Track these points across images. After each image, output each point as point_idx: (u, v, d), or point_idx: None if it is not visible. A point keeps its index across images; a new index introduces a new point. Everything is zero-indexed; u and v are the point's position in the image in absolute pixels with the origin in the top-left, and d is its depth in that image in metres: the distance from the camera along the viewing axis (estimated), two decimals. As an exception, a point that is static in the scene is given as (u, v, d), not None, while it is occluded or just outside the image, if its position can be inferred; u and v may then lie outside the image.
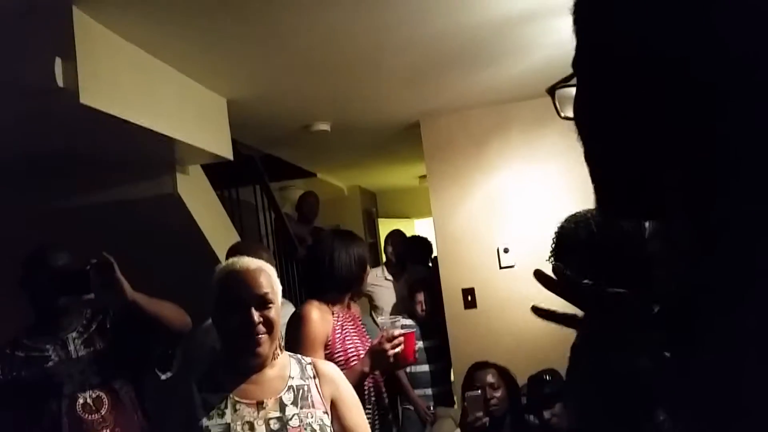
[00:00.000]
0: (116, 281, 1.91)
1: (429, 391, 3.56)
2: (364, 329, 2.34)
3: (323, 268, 2.19)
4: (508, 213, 3.67)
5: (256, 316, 1.45)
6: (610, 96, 0.53)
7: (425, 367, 3.60)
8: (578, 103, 0.58)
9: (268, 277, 1.52)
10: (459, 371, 3.48)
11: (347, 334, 2.18)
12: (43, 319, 2.08)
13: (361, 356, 2.09)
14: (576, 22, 0.56)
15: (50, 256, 2.05)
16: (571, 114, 0.59)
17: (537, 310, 0.68)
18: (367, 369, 2.02)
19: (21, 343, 2.03)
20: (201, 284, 2.26)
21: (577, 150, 0.59)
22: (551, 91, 0.60)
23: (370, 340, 2.22)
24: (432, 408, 3.38)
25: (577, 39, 0.56)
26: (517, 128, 3.72)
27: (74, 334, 2.08)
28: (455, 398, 3.63)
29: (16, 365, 1.98)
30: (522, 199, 3.66)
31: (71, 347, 2.06)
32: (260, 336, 1.47)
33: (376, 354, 2.02)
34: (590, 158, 0.58)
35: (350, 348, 2.15)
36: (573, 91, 0.57)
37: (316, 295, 2.20)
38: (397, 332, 2.06)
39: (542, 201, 3.56)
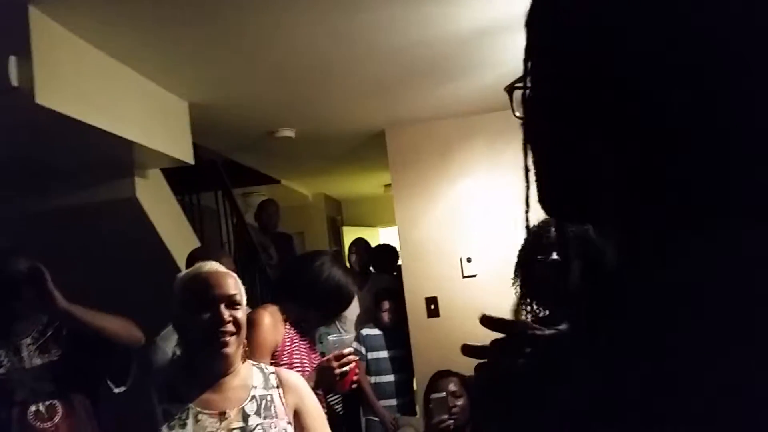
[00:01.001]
0: (47, 292, 1.85)
1: (393, 402, 3.55)
2: (314, 347, 2.29)
3: (314, 287, 2.10)
4: (472, 223, 3.71)
5: (225, 314, 1.45)
6: (552, 96, 0.55)
7: (390, 377, 3.59)
8: (525, 102, 0.59)
9: (236, 281, 1.54)
10: (422, 380, 3.48)
11: (297, 347, 2.13)
12: None
13: (306, 372, 2.05)
14: (527, 24, 0.58)
15: (7, 259, 1.98)
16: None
17: (486, 320, 0.68)
18: (311, 384, 1.97)
19: None
20: (159, 290, 2.21)
21: None
22: (509, 90, 0.61)
23: (318, 358, 2.18)
24: (396, 419, 3.37)
25: (527, 38, 0.58)
26: (482, 139, 3.76)
27: (28, 340, 2.00)
28: (417, 408, 3.63)
29: None
30: (485, 209, 3.70)
31: (24, 353, 1.98)
32: (228, 337, 1.45)
33: (323, 371, 1.96)
34: (534, 158, 0.60)
35: (296, 362, 2.08)
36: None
37: (278, 303, 2.14)
38: (346, 351, 2.00)
39: (505, 211, 3.61)
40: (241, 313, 1.50)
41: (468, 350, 0.68)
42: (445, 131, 3.80)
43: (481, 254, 3.63)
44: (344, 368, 1.96)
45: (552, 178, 0.60)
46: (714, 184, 0.46)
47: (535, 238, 2.07)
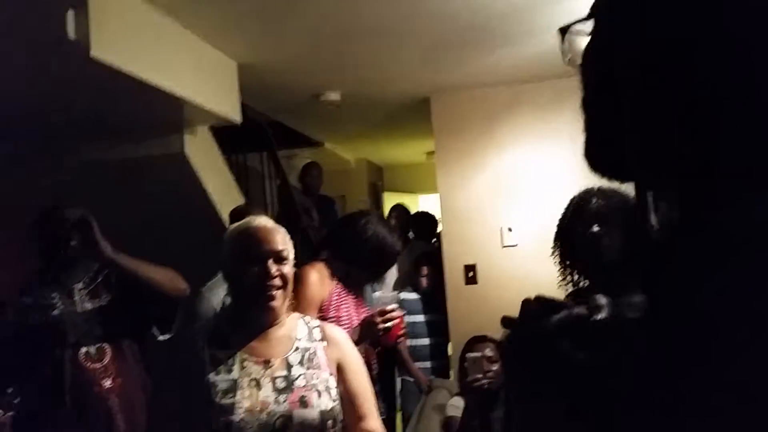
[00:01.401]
0: (93, 241, 1.94)
1: (428, 364, 3.60)
2: (363, 303, 2.34)
3: (359, 245, 2.15)
4: (515, 193, 3.67)
5: (273, 269, 1.47)
6: (615, 53, 0.55)
7: (425, 341, 3.64)
8: (587, 51, 0.59)
9: (284, 237, 1.55)
10: (456, 345, 3.51)
11: (345, 302, 2.19)
12: (50, 269, 2.10)
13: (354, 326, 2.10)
14: None
15: (58, 209, 2.08)
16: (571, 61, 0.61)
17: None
18: (355, 338, 2.02)
19: (29, 291, 2.06)
20: (205, 245, 2.28)
21: None
22: (563, 31, 0.62)
23: (366, 314, 2.22)
24: (430, 381, 3.42)
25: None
26: (529, 108, 3.69)
27: (80, 285, 2.11)
28: (451, 372, 3.67)
29: (23, 311, 2.01)
30: (529, 179, 3.65)
31: (77, 297, 2.08)
32: (275, 290, 1.48)
33: (367, 326, 2.02)
34: (583, 107, 0.60)
35: (344, 317, 2.15)
36: (583, 41, 0.59)
37: (326, 260, 2.18)
38: (389, 308, 2.04)
39: (549, 183, 3.55)
40: (288, 268, 1.52)
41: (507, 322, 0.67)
42: (492, 99, 3.74)
43: (522, 224, 3.59)
44: (387, 324, 2.00)
45: (603, 132, 0.59)
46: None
47: (576, 209, 2.05)
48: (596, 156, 0.60)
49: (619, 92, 0.54)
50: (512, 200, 3.67)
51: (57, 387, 1.96)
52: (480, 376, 2.34)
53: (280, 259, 1.50)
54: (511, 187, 3.68)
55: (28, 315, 2.00)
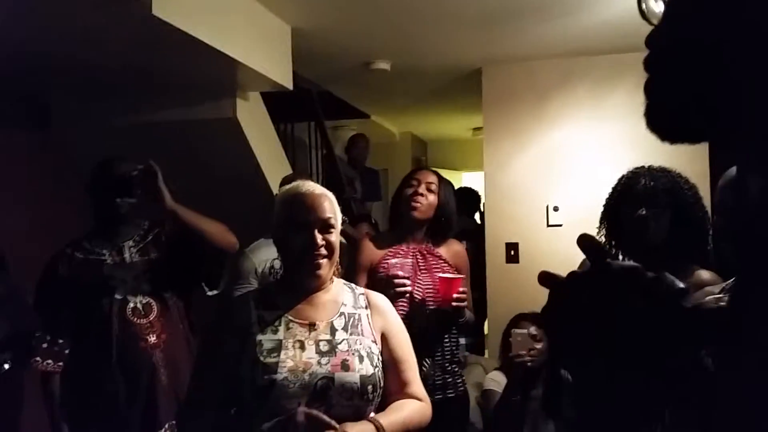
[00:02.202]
0: (158, 190, 1.98)
1: (463, 341, 3.59)
2: (435, 267, 2.37)
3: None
4: (563, 171, 3.59)
5: (318, 238, 1.47)
6: (689, 29, 0.55)
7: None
8: (660, 26, 0.57)
9: (332, 204, 1.54)
10: (494, 323, 3.50)
11: (399, 262, 2.27)
12: (102, 225, 2.17)
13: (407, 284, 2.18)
14: None
15: (113, 166, 2.13)
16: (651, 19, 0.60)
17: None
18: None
19: (81, 246, 2.14)
20: (250, 209, 2.32)
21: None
22: None
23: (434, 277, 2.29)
24: (466, 357, 3.42)
25: None
26: (582, 84, 3.58)
27: (130, 243, 2.17)
28: (486, 350, 3.67)
29: (74, 265, 2.09)
30: (579, 158, 3.56)
31: (126, 254, 2.14)
32: (321, 259, 1.49)
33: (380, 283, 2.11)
34: (650, 72, 0.59)
35: (396, 272, 2.22)
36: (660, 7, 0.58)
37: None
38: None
39: (599, 162, 3.46)
40: (335, 236, 1.51)
41: (545, 277, 0.63)
42: (544, 73, 3.65)
43: (568, 204, 3.52)
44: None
45: (664, 104, 0.58)
46: None
47: (623, 189, 1.99)
48: (663, 115, 0.58)
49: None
50: (560, 179, 3.59)
51: (104, 341, 2.04)
52: (524, 352, 2.33)
53: (326, 226, 1.49)
54: (559, 165, 3.60)
55: (79, 269, 2.08)
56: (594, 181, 3.29)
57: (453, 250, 2.44)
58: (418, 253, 2.37)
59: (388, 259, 2.32)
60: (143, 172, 1.99)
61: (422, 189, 2.36)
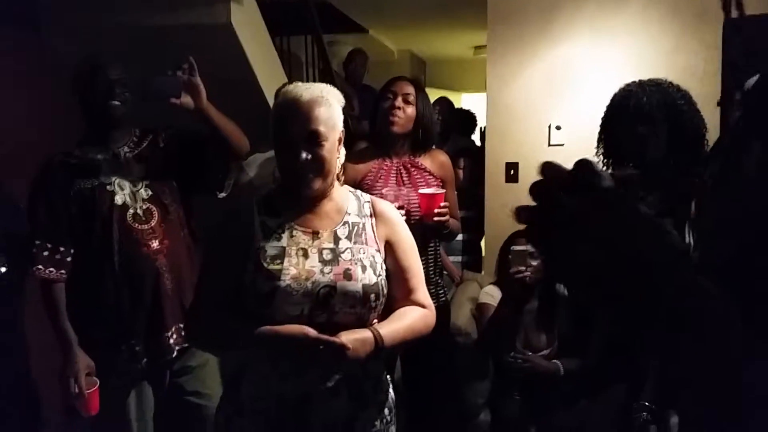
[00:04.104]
0: (195, 84, 1.98)
1: (459, 258, 3.62)
2: (419, 181, 2.34)
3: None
4: (568, 89, 3.50)
5: (303, 155, 1.40)
6: None
7: (459, 236, 3.64)
8: None
9: (323, 110, 1.42)
10: (491, 242, 3.52)
11: (383, 177, 2.26)
12: (95, 131, 2.11)
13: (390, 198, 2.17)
14: None
15: (105, 66, 2.04)
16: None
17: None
18: None
19: (74, 153, 2.08)
20: (245, 121, 2.25)
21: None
22: None
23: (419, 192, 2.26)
24: (462, 274, 3.46)
25: None
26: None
27: (125, 149, 2.11)
28: (483, 267, 3.71)
29: (69, 172, 2.03)
30: (584, 76, 3.46)
31: (122, 160, 2.10)
32: (309, 176, 1.43)
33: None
34: None
35: (381, 191, 2.21)
36: None
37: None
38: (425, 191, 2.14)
39: (606, 81, 3.36)
40: (327, 150, 1.43)
41: (522, 213, 0.59)
42: (554, -14, 3.48)
43: (571, 123, 3.45)
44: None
45: None
46: None
47: (617, 107, 1.93)
48: None
49: None
50: (563, 97, 3.51)
51: (106, 247, 2.02)
52: (522, 268, 2.35)
53: (313, 140, 1.41)
54: (563, 83, 3.50)
55: (74, 176, 2.02)
56: (598, 100, 3.17)
57: (438, 160, 2.41)
58: (401, 168, 2.34)
59: (371, 176, 2.29)
60: (187, 68, 1.97)
61: (399, 102, 2.30)
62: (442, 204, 2.19)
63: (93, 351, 2.04)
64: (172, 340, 2.10)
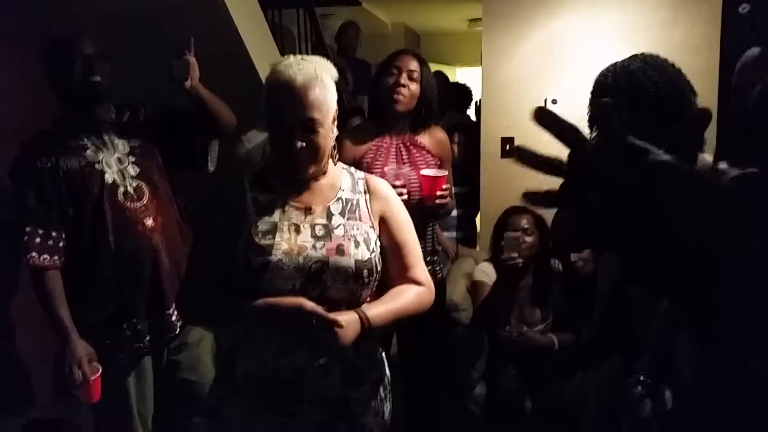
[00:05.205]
0: (190, 63, 2.00)
1: (454, 234, 3.62)
2: (419, 160, 2.31)
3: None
4: (564, 62, 3.46)
5: (298, 143, 1.38)
6: None
7: (453, 212, 3.62)
8: None
9: (319, 91, 1.37)
10: (487, 218, 3.51)
11: (382, 156, 2.20)
12: (74, 109, 2.04)
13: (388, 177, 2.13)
14: None
15: (81, 42, 1.99)
16: None
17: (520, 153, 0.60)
18: None
19: (54, 134, 2.01)
20: (238, 98, 2.22)
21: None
22: None
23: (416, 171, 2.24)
24: (457, 250, 3.46)
25: None
26: (590, -31, 3.37)
27: (107, 126, 2.07)
28: (478, 243, 3.71)
29: (54, 154, 1.96)
30: (581, 49, 3.42)
31: (106, 137, 2.05)
32: (302, 162, 1.41)
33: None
34: None
35: (382, 169, 2.18)
36: None
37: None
38: (398, 183, 2.10)
39: (603, 54, 3.32)
40: (322, 136, 1.40)
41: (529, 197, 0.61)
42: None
43: (568, 97, 3.42)
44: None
45: None
46: None
47: (595, 80, 1.91)
48: None
49: None
50: (561, 70, 3.47)
51: (100, 228, 1.98)
52: (515, 254, 2.35)
53: (308, 127, 1.38)
54: (561, 55, 3.46)
55: (60, 158, 1.96)
56: (595, 73, 3.17)
57: (436, 138, 2.37)
58: (401, 145, 2.30)
59: (370, 154, 2.25)
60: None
61: (404, 78, 2.24)
62: (444, 186, 2.17)
63: (94, 333, 2.01)
64: (174, 317, 2.09)
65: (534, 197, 0.61)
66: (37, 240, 1.93)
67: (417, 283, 1.52)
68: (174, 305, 2.07)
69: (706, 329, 0.56)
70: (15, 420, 2.10)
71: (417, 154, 2.31)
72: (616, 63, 1.82)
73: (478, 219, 3.79)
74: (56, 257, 1.96)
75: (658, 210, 0.53)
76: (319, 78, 1.39)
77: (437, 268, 2.44)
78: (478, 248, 3.54)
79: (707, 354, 0.66)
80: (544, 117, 0.60)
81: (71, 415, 2.18)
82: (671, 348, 1.16)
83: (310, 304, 1.32)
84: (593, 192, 0.55)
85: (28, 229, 1.93)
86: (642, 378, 1.54)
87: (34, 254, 1.92)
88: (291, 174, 1.45)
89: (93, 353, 1.98)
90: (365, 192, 1.53)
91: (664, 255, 0.52)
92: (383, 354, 1.58)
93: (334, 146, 1.51)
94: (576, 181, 0.56)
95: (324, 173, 1.49)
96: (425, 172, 2.20)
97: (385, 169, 2.22)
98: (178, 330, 2.12)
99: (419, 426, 2.56)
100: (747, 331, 0.50)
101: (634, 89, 1.75)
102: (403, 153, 2.30)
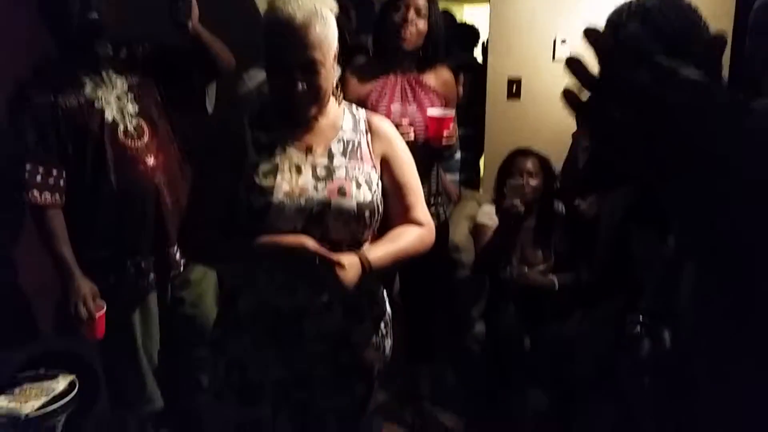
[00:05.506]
0: (191, 4, 1.93)
1: (457, 177, 3.59)
2: (424, 99, 2.27)
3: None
4: (574, 0, 3.34)
5: (299, 85, 1.34)
6: None
7: (456, 154, 3.59)
8: None
9: (320, 29, 1.31)
10: (491, 160, 3.47)
11: (387, 94, 2.16)
12: (69, 49, 1.98)
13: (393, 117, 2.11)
14: None
15: None
16: None
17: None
18: None
19: (51, 71, 1.96)
20: (234, 31, 2.16)
21: None
22: None
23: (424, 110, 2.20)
24: (460, 192, 3.44)
25: None
26: None
27: (104, 63, 2.02)
28: (481, 186, 3.69)
29: (52, 91, 1.92)
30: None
31: (104, 75, 2.01)
32: (303, 105, 1.38)
33: None
34: None
35: (388, 108, 2.14)
36: None
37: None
38: (405, 122, 2.08)
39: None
40: (323, 77, 1.35)
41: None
42: None
43: (577, 36, 3.31)
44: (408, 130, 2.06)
45: None
46: None
47: (614, 15, 1.85)
48: None
49: None
50: (571, 9, 3.34)
51: (101, 167, 1.96)
52: (517, 202, 2.34)
53: (309, 68, 1.33)
54: (571, -7, 3.34)
55: (57, 94, 1.92)
56: (605, 11, 3.07)
57: (442, 78, 2.33)
58: (406, 84, 2.26)
59: (375, 93, 2.21)
60: None
61: (411, 15, 2.17)
62: (450, 126, 2.14)
63: (97, 271, 2.02)
64: (177, 255, 2.11)
65: (572, 96, 0.62)
66: (38, 178, 1.92)
67: (418, 223, 1.51)
68: (177, 243, 2.08)
69: (716, 264, 0.55)
70: (20, 353, 2.14)
71: (422, 94, 2.27)
72: (630, 1, 1.76)
73: (481, 162, 3.76)
74: (57, 196, 1.95)
75: (684, 127, 0.51)
76: (319, 14, 1.33)
77: (441, 210, 2.44)
78: (480, 191, 3.53)
79: (711, 292, 0.65)
80: (573, 64, 0.60)
81: (77, 348, 2.23)
82: (673, 288, 1.16)
83: (313, 244, 1.32)
84: (620, 106, 0.55)
85: (28, 167, 1.91)
86: (641, 318, 1.55)
87: (34, 192, 1.92)
88: (291, 115, 1.42)
89: (96, 291, 2.00)
90: (367, 132, 1.51)
91: (685, 175, 0.51)
92: (384, 292, 1.60)
93: (337, 85, 1.48)
94: (604, 94, 0.56)
95: (325, 110, 1.46)
96: (432, 112, 2.17)
97: (392, 107, 2.19)
98: (182, 268, 2.14)
99: (419, 362, 2.62)
100: (758, 265, 0.49)
101: (649, 27, 1.70)
102: (408, 92, 2.26)
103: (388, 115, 2.17)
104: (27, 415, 1.88)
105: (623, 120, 0.55)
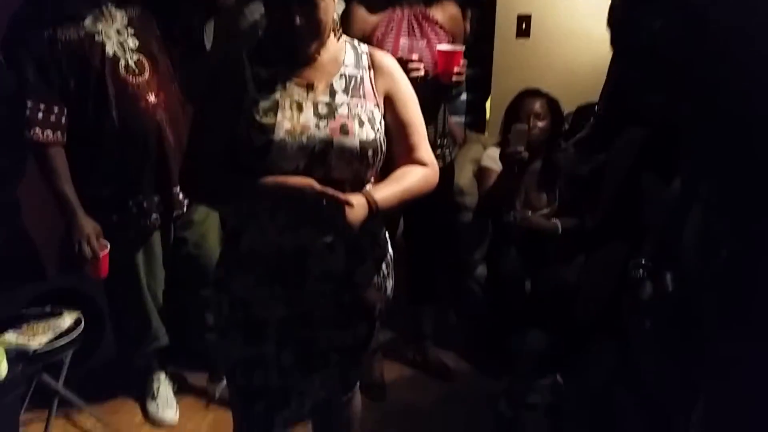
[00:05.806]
0: None
1: (462, 119, 3.53)
2: (431, 35, 2.20)
3: None
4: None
5: (297, 20, 1.29)
6: None
7: (462, 96, 3.51)
8: None
9: None
10: (498, 101, 3.39)
11: (394, 29, 2.10)
12: None
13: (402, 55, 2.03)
14: None
15: None
16: None
17: None
18: None
19: (46, 7, 1.89)
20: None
21: None
22: None
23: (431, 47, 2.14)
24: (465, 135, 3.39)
25: None
26: None
27: None
28: (486, 129, 3.63)
29: (50, 24, 1.87)
30: None
31: (104, 7, 1.95)
32: (302, 41, 1.34)
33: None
34: None
35: (395, 42, 2.08)
36: None
37: None
38: (414, 57, 2.01)
39: None
40: (323, 10, 1.31)
41: None
42: None
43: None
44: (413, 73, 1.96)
45: None
46: None
47: None
48: None
49: None
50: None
51: (102, 104, 1.93)
52: (521, 148, 2.29)
53: (309, 2, 1.29)
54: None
55: (57, 30, 1.87)
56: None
57: (449, 13, 2.26)
58: (413, 19, 2.19)
59: (381, 27, 2.15)
60: None
61: None
62: (461, 61, 2.08)
63: (100, 210, 2.02)
64: (181, 195, 2.10)
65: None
66: (40, 115, 1.90)
67: (422, 163, 1.49)
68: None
69: (729, 207, 0.53)
70: (25, 291, 2.17)
71: (429, 29, 2.20)
72: None
73: (488, 104, 3.68)
74: (59, 133, 1.93)
75: (723, 47, 0.50)
76: None
77: (446, 153, 2.40)
78: (486, 134, 3.47)
79: (720, 236, 0.63)
80: None
81: (80, 286, 2.25)
82: (678, 230, 1.15)
83: (318, 185, 1.30)
84: (660, 17, 0.53)
85: (29, 104, 1.88)
86: (644, 261, 1.55)
87: (36, 130, 1.90)
88: (290, 51, 1.38)
89: (100, 230, 2.01)
90: (369, 68, 1.46)
91: (715, 109, 0.49)
92: (386, 234, 1.59)
93: (335, 20, 1.43)
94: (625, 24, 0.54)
95: (326, 45, 1.42)
96: (441, 47, 2.11)
97: (400, 42, 2.12)
98: (185, 208, 2.14)
99: (421, 302, 2.65)
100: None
101: None
102: (415, 27, 2.19)
103: (395, 51, 2.11)
104: (35, 351, 1.91)
105: (662, 34, 0.53)
